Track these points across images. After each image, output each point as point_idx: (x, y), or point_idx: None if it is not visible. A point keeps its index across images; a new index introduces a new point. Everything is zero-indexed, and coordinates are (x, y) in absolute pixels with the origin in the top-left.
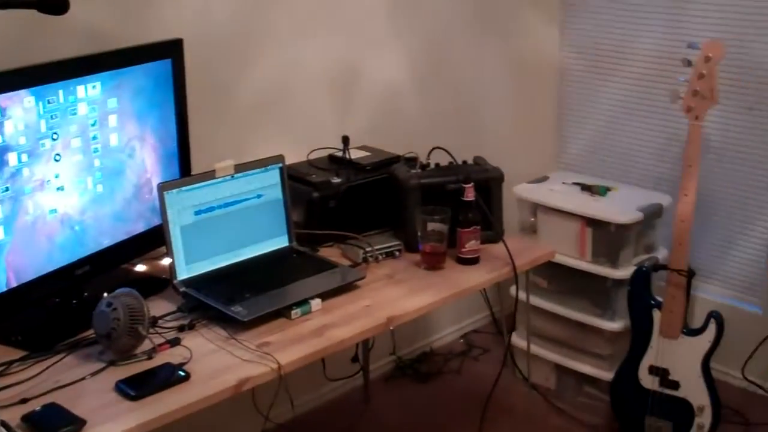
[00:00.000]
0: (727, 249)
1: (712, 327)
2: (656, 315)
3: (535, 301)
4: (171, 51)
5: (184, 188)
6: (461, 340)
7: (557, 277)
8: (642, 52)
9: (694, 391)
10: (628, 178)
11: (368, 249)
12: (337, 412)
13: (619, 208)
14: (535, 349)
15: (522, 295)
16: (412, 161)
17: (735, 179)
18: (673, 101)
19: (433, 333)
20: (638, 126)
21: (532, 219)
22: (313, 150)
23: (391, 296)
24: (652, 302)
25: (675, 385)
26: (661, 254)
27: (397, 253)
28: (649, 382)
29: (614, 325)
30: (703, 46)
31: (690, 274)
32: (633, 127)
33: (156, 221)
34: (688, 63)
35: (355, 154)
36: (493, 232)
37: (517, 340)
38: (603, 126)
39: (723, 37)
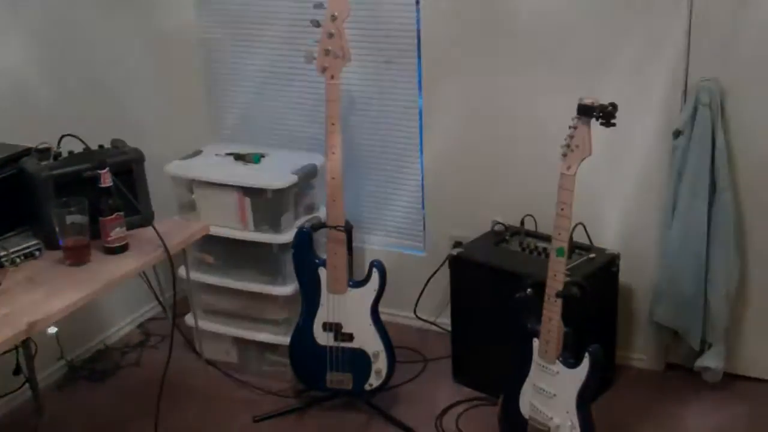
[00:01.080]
0: (385, 199)
1: (375, 276)
2: (322, 273)
3: (205, 278)
4: None
5: None
6: (138, 330)
7: (224, 251)
8: (278, 15)
9: (367, 340)
10: (283, 142)
11: (2, 253)
12: (8, 431)
13: (274, 173)
14: (213, 325)
15: (186, 275)
16: (44, 152)
17: (382, 131)
18: (308, 62)
19: (106, 328)
20: (286, 90)
21: (193, 196)
22: None
23: (32, 300)
24: (317, 261)
25: (349, 337)
26: (323, 213)
27: (37, 253)
28: (324, 338)
29: (285, 290)
30: (328, 5)
31: (348, 228)
32: (281, 91)
33: None
34: (317, 23)
35: None
36: (140, 215)
37: (192, 320)
38: (253, 94)
39: None
